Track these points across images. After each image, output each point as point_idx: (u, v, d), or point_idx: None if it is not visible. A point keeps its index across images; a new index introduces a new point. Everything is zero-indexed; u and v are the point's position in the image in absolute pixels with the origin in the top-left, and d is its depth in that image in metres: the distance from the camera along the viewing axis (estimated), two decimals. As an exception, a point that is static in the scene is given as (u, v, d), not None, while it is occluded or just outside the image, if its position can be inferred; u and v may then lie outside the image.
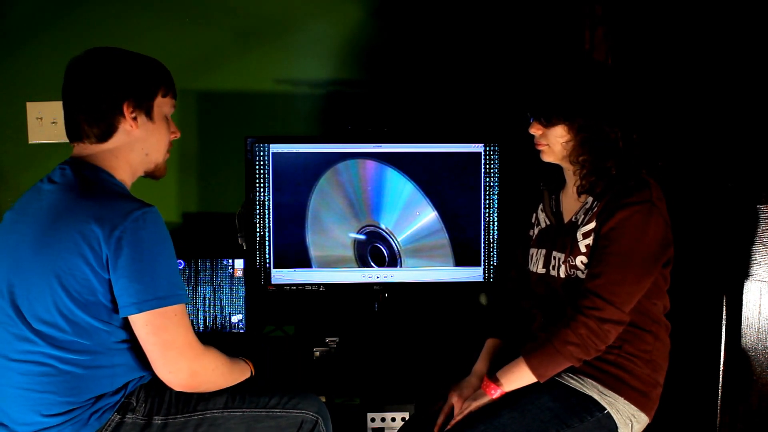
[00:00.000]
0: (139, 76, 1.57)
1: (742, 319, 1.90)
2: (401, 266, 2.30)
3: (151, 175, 1.66)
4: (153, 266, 1.44)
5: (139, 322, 1.46)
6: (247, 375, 1.68)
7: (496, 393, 1.66)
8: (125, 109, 1.54)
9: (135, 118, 1.56)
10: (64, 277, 1.44)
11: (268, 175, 2.25)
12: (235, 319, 2.31)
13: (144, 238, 1.44)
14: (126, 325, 1.48)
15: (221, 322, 2.31)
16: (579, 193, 1.72)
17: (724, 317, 1.90)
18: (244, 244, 2.30)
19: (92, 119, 1.54)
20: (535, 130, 1.72)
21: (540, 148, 1.74)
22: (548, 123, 1.68)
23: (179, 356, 1.48)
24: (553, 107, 1.67)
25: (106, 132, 1.55)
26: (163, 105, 1.61)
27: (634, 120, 1.65)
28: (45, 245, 1.45)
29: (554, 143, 1.70)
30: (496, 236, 2.30)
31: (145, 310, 1.44)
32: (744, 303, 1.89)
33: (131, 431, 1.52)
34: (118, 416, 1.51)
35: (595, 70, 1.70)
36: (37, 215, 1.49)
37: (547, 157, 1.74)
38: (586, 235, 1.67)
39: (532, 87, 1.76)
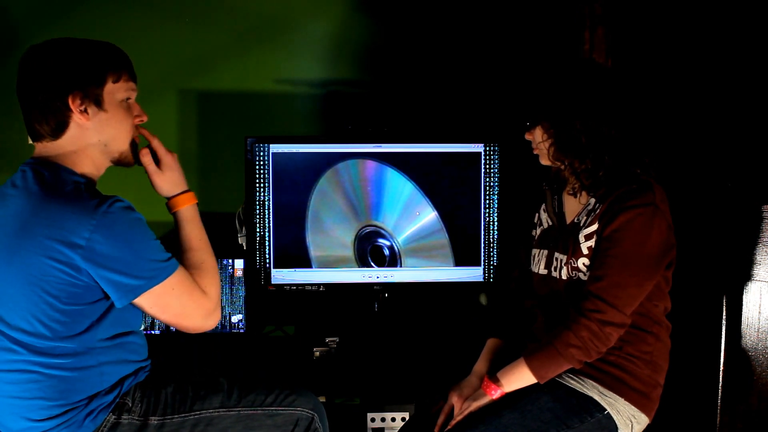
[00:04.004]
0: (83, 65, 1.48)
1: (742, 319, 1.90)
2: (401, 266, 2.30)
3: (120, 164, 1.59)
4: (132, 253, 1.43)
5: (144, 304, 1.48)
6: (196, 211, 1.68)
7: (496, 393, 1.66)
8: (71, 102, 1.46)
9: (85, 110, 1.48)
10: (38, 284, 1.41)
11: (268, 175, 2.25)
12: (235, 319, 2.31)
13: (115, 230, 1.41)
14: (107, 324, 1.47)
15: (221, 322, 2.30)
16: (572, 193, 1.74)
17: (724, 317, 1.90)
18: (244, 244, 2.30)
19: (41, 117, 1.48)
20: (527, 136, 1.76)
21: (535, 152, 1.76)
22: (527, 128, 1.74)
23: (196, 318, 1.53)
24: (528, 112, 1.72)
25: (58, 128, 1.49)
26: (115, 91, 1.51)
27: (602, 116, 1.64)
28: (15, 254, 1.42)
29: (540, 146, 1.73)
30: (496, 236, 2.30)
31: (140, 294, 1.44)
32: (744, 303, 1.90)
33: (126, 431, 1.51)
34: (114, 417, 1.50)
35: (555, 73, 1.71)
36: (3, 223, 1.45)
37: (542, 160, 1.77)
38: (588, 237, 1.67)
39: (520, 94, 1.82)
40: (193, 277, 1.55)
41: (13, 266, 1.43)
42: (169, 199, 1.64)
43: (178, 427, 1.54)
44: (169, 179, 1.63)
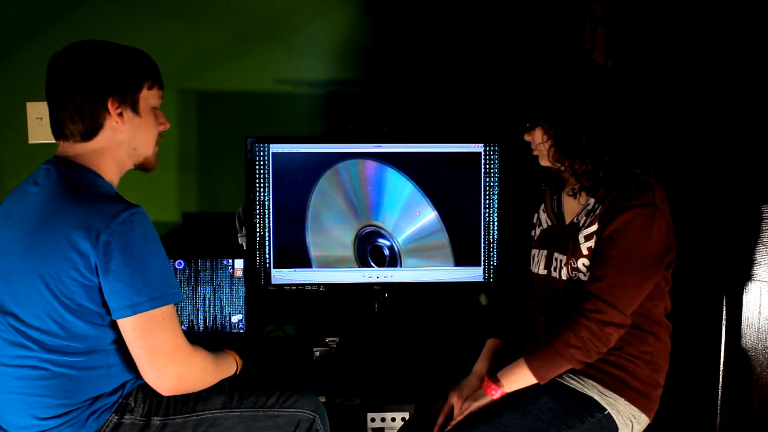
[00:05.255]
0: (123, 70, 1.51)
1: (742, 319, 1.90)
2: (401, 266, 2.30)
3: (141, 168, 1.62)
4: (144, 267, 1.42)
5: (128, 325, 1.44)
6: (233, 368, 1.67)
7: (496, 393, 1.66)
8: (110, 105, 1.49)
9: (121, 114, 1.51)
10: (53, 283, 1.42)
11: (268, 175, 2.25)
12: (235, 319, 2.31)
13: (132, 240, 1.41)
14: (118, 326, 1.47)
15: (221, 322, 2.31)
16: (571, 194, 1.74)
17: (724, 317, 1.90)
18: (244, 244, 2.30)
19: (76, 117, 1.49)
20: (527, 137, 1.76)
21: (535, 153, 1.76)
22: (527, 129, 1.74)
23: (167, 361, 1.46)
24: (527, 113, 1.72)
25: (91, 130, 1.50)
26: (149, 98, 1.56)
27: (601, 116, 1.64)
28: (33, 251, 1.43)
29: (540, 147, 1.73)
30: (496, 236, 2.30)
31: (138, 312, 1.42)
32: (744, 303, 1.90)
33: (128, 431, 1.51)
34: (116, 417, 1.51)
35: (555, 74, 1.71)
36: (24, 220, 1.46)
37: (542, 161, 1.77)
38: (588, 238, 1.67)
39: (519, 95, 1.83)
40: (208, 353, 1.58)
41: (30, 263, 1.43)
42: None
43: (180, 427, 1.55)
44: None
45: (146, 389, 1.55)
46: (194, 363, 1.51)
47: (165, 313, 1.45)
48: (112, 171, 1.55)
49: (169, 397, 1.56)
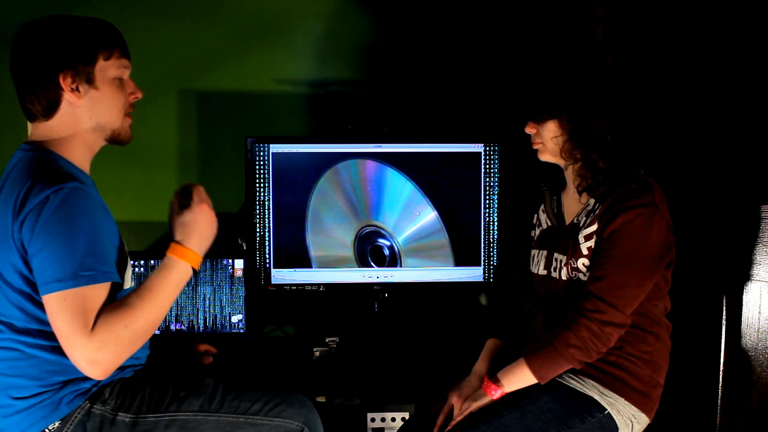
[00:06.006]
0: (72, 44, 1.45)
1: (742, 319, 1.90)
2: (401, 266, 2.30)
3: (114, 142, 1.55)
4: (51, 247, 1.34)
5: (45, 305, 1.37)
6: (181, 276, 1.48)
7: (496, 393, 1.66)
8: (62, 81, 1.45)
9: (76, 89, 1.46)
10: (5, 272, 1.41)
11: (268, 175, 2.25)
12: (235, 319, 2.31)
13: (44, 218, 1.34)
14: None
15: (221, 322, 2.30)
16: (579, 191, 1.72)
17: (724, 317, 1.90)
18: (244, 244, 2.30)
19: (32, 97, 1.46)
20: (530, 129, 1.74)
21: (535, 146, 1.75)
22: (539, 120, 1.71)
23: (69, 347, 1.35)
24: (542, 104, 1.69)
25: (49, 108, 1.47)
26: (107, 69, 1.49)
27: (622, 115, 1.65)
28: None
29: (547, 140, 1.72)
30: (496, 236, 2.30)
31: (47, 293, 1.35)
32: (744, 303, 1.89)
33: (98, 423, 1.47)
34: (89, 404, 1.47)
35: (581, 68, 1.70)
36: None
37: (543, 156, 1.75)
38: (587, 238, 1.67)
39: (525, 87, 1.79)
40: (113, 311, 1.38)
41: None
42: (172, 242, 1.53)
43: (152, 427, 1.49)
44: (182, 223, 1.54)
45: (126, 384, 1.51)
46: (97, 343, 1.35)
47: (69, 295, 1.34)
48: (80, 153, 1.51)
49: (143, 395, 1.50)
